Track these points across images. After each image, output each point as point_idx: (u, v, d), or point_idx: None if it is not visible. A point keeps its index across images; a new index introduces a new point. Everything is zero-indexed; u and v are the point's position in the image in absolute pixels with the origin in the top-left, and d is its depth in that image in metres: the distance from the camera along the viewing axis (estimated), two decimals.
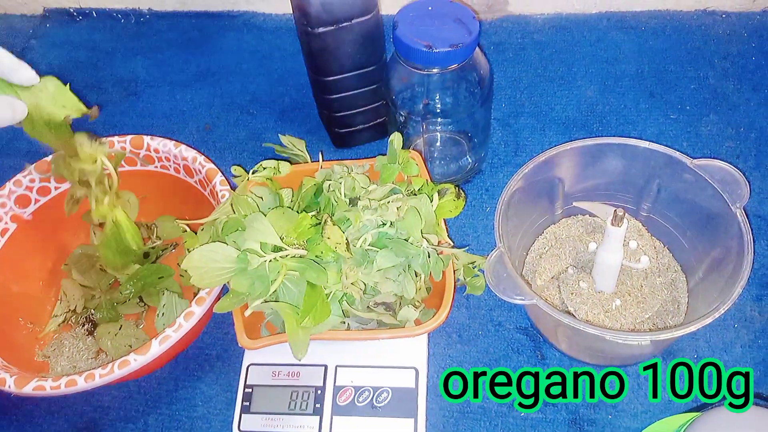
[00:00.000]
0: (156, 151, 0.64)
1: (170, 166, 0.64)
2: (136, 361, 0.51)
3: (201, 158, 0.62)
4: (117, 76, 0.84)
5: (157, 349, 0.51)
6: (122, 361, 0.51)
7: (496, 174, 0.71)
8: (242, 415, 0.55)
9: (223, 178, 0.61)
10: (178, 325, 0.52)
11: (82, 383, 0.50)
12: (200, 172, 0.62)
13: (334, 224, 0.51)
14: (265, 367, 0.57)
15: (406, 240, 0.53)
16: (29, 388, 0.51)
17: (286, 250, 0.50)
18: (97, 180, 0.55)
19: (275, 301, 0.50)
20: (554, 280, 0.60)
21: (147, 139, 0.64)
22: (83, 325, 0.64)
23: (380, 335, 0.53)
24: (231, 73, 0.83)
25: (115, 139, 0.64)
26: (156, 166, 0.65)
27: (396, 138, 0.57)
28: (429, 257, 0.53)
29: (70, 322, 0.64)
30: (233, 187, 0.61)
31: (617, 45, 0.80)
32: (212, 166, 0.61)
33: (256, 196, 0.57)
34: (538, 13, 0.84)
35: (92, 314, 0.64)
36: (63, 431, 0.59)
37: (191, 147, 0.62)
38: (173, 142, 0.63)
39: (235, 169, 0.60)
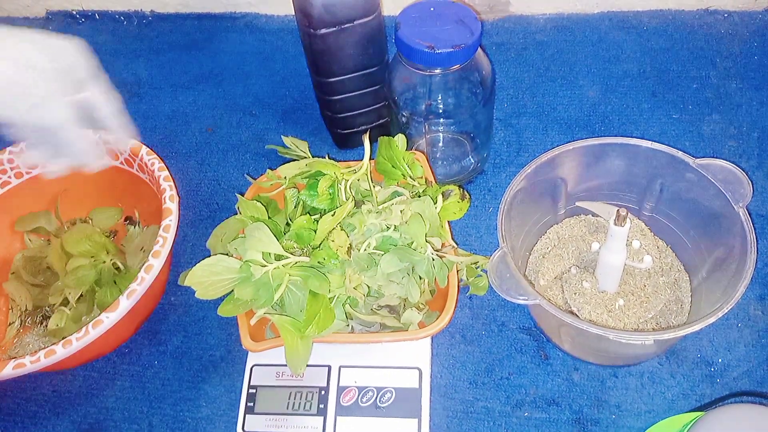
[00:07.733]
0: None
1: None
2: (109, 319, 0.52)
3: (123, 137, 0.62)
4: (119, 78, 0.85)
5: (126, 303, 0.53)
6: (95, 321, 0.52)
7: (498, 174, 0.71)
8: (246, 415, 0.55)
9: (149, 149, 0.60)
10: (141, 279, 0.54)
11: (61, 351, 0.51)
12: (124, 152, 0.62)
13: (342, 229, 0.51)
14: (269, 367, 0.57)
15: (410, 244, 0.53)
16: (9, 369, 0.51)
17: (288, 258, 0.50)
18: None
19: (276, 314, 0.50)
20: (557, 280, 0.60)
21: None
22: (41, 323, 0.64)
23: (383, 339, 0.53)
24: (233, 75, 0.83)
25: None
26: None
27: (400, 140, 0.57)
28: (434, 262, 0.53)
29: (26, 323, 0.64)
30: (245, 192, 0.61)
31: (619, 45, 0.80)
32: (135, 142, 0.61)
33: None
34: (540, 13, 0.84)
35: (47, 311, 0.64)
36: None
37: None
38: (92, 129, 0.63)
39: (249, 177, 0.61)
